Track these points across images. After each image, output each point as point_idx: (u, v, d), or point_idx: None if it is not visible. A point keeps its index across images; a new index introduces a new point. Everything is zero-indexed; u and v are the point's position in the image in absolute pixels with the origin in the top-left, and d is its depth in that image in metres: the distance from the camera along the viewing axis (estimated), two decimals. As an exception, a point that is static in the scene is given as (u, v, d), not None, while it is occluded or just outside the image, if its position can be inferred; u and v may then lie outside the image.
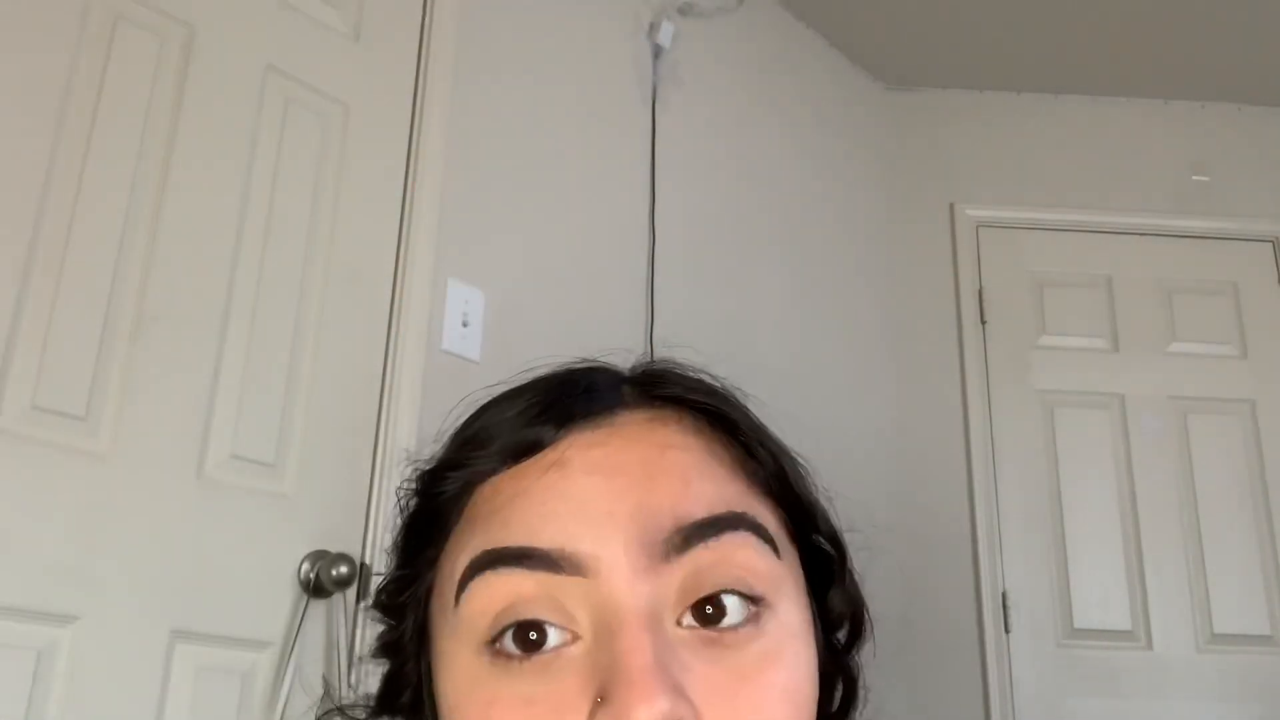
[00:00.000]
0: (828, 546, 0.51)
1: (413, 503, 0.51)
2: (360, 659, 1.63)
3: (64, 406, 1.44)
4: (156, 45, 1.63)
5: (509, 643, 0.44)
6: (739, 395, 0.52)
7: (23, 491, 1.38)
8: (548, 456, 0.46)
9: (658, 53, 2.47)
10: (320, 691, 1.56)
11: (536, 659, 0.43)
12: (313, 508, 1.65)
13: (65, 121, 1.50)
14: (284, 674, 1.55)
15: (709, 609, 0.44)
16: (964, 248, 3.02)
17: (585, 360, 0.52)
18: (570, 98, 2.28)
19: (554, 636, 0.43)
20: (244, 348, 1.63)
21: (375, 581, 1.67)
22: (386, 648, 0.52)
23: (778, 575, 0.46)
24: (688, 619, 0.44)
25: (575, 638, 0.43)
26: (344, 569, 1.60)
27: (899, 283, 3.00)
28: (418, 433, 1.78)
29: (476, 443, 0.49)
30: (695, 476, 0.46)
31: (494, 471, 0.48)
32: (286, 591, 1.60)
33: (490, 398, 0.51)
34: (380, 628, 0.53)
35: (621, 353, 0.54)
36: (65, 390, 1.44)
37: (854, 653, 0.53)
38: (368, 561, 1.68)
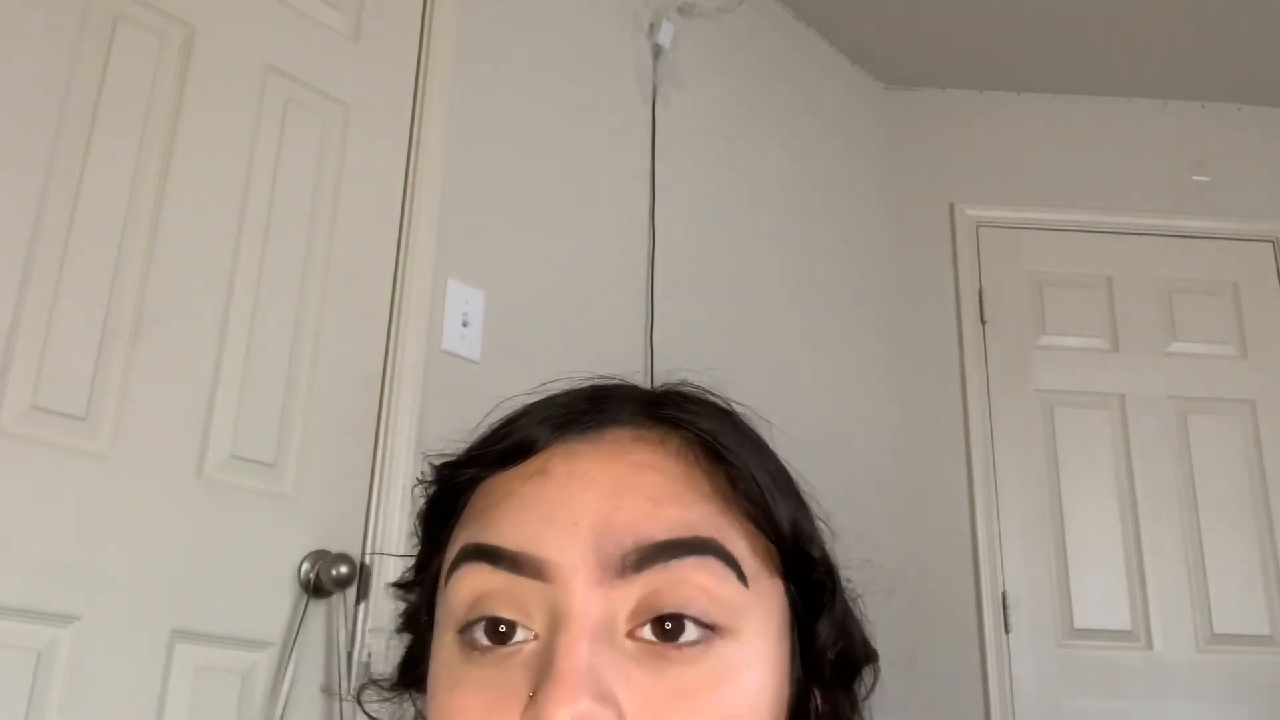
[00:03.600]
0: (823, 577, 0.51)
1: (431, 490, 0.54)
2: (363, 657, 1.63)
3: (64, 406, 1.44)
4: (156, 45, 1.63)
5: (479, 633, 0.47)
6: (753, 423, 0.53)
7: (23, 491, 1.38)
8: (535, 463, 0.49)
9: (658, 53, 2.47)
10: (320, 691, 1.57)
11: (501, 651, 0.46)
12: (313, 508, 1.65)
13: (65, 121, 1.50)
14: (284, 674, 1.55)
15: (667, 625, 0.45)
16: (964, 248, 3.02)
17: (608, 378, 0.54)
18: (570, 98, 2.28)
19: (519, 632, 0.46)
20: (244, 348, 1.63)
21: (375, 581, 1.68)
22: (405, 621, 0.56)
23: (740, 603, 0.46)
24: (645, 632, 0.45)
25: (535, 636, 0.46)
26: (344, 569, 1.60)
27: (899, 282, 3.00)
28: (418, 433, 1.78)
29: (486, 442, 0.52)
30: (664, 498, 0.47)
31: (495, 470, 0.51)
32: (286, 591, 1.60)
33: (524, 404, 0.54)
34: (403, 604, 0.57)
35: (632, 362, 0.55)
36: (65, 390, 1.44)
37: (848, 689, 0.52)
38: (367, 561, 1.68)
